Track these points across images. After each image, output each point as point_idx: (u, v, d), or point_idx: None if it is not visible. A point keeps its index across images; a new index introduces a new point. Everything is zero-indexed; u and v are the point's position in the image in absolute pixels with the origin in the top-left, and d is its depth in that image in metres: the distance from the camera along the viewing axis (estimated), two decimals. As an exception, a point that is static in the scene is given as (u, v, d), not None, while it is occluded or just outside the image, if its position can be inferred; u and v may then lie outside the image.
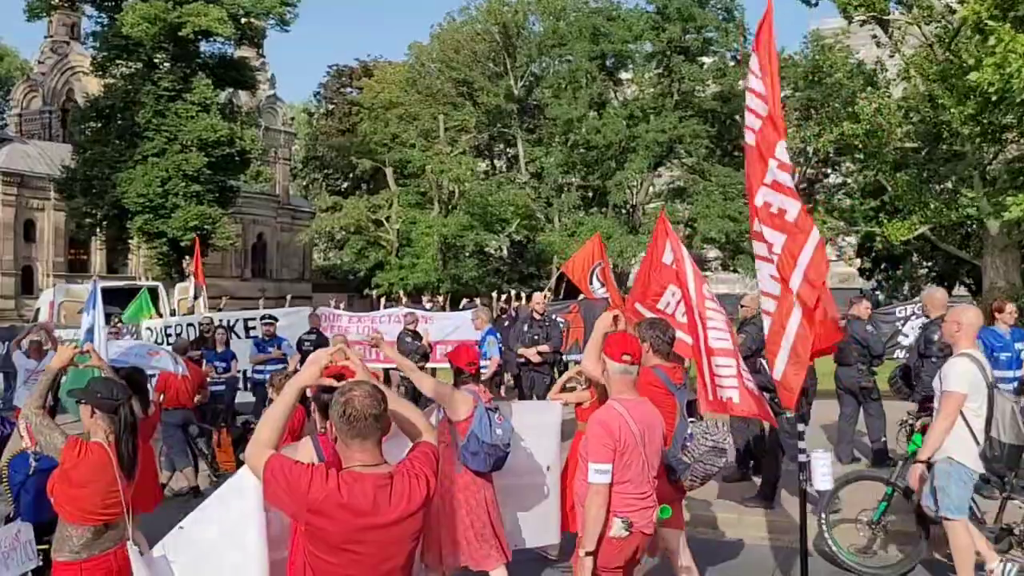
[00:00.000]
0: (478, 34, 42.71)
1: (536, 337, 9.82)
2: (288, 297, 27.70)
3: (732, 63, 37.06)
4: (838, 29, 47.27)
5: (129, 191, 35.20)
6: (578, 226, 37.44)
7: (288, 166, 57.69)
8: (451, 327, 13.26)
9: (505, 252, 43.78)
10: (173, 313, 19.14)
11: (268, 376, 9.62)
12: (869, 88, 26.73)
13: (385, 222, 35.31)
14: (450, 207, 37.05)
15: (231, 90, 41.46)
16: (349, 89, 61.06)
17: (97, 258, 45.67)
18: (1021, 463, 5.43)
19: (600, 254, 14.99)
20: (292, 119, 59.39)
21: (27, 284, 43.03)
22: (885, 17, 24.20)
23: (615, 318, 5.03)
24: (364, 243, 37.16)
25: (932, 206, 26.41)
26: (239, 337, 13.40)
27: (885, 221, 27.63)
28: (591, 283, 14.83)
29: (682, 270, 5.81)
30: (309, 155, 62.16)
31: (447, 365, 13.41)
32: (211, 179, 36.82)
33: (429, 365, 14.05)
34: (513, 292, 21.74)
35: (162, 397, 9.16)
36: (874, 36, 27.55)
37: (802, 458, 4.88)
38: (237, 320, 13.59)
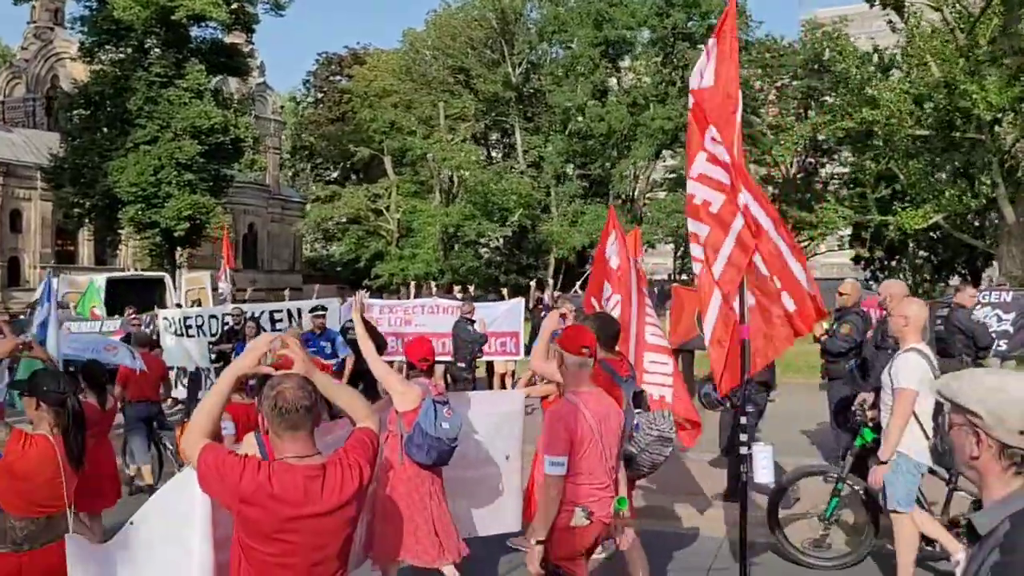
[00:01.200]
0: (475, 20, 41.96)
1: None
2: (287, 290, 27.07)
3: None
4: (835, 16, 47.34)
5: (121, 180, 34.26)
6: (579, 215, 36.90)
7: (278, 155, 56.69)
8: (492, 317, 12.65)
9: (501, 243, 43.15)
10: (179, 305, 18.37)
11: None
12: (884, 74, 26.33)
13: (385, 211, 34.50)
14: (451, 196, 36.31)
15: (220, 77, 40.45)
16: (338, 77, 60.19)
17: (85, 249, 44.57)
18: None
19: (639, 251, 14.49)
20: (282, 107, 58.35)
21: (13, 276, 41.89)
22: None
23: (562, 316, 5.21)
24: (363, 233, 36.36)
25: (947, 194, 26.12)
26: (264, 330, 12.74)
27: (899, 210, 27.35)
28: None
29: (625, 267, 6.23)
30: (297, 144, 61.17)
31: (502, 358, 12.60)
32: (204, 168, 35.90)
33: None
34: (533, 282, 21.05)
35: (121, 390, 8.91)
36: (889, 21, 27.10)
37: (744, 451, 4.95)
38: (263, 312, 12.93)
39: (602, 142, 38.09)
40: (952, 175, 27.31)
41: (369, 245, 35.76)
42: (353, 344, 10.55)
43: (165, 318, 13.71)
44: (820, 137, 28.69)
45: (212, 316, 13.29)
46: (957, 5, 24.85)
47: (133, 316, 13.41)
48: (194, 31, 37.80)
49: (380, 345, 11.57)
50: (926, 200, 27.02)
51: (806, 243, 44.46)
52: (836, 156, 42.44)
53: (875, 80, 26.30)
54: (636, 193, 39.23)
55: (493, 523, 5.78)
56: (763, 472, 5.11)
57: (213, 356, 12.06)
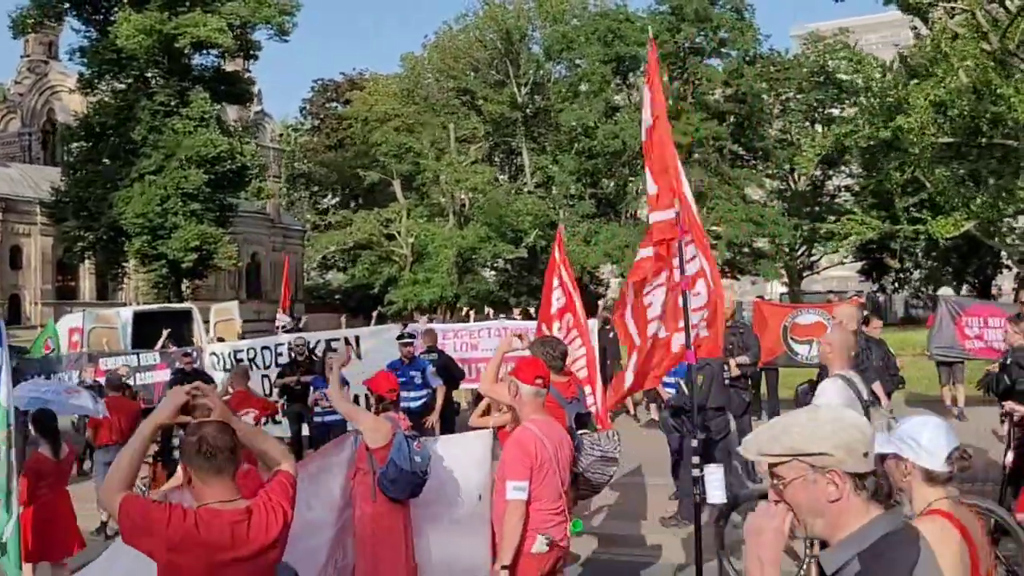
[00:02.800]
0: (479, 41, 41.54)
1: (730, 346, 8.11)
2: (298, 318, 26.31)
3: (746, 63, 36.18)
4: (835, 29, 47.21)
5: (126, 211, 33.43)
6: (593, 235, 36.31)
7: (278, 184, 56.01)
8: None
9: (511, 266, 42.47)
10: (220, 339, 17.53)
11: (412, 405, 8.32)
12: (911, 80, 25.88)
13: (398, 236, 33.79)
14: (463, 219, 35.66)
15: (219, 105, 39.78)
16: (334, 104, 59.70)
17: (86, 284, 43.65)
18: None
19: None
20: (280, 135, 57.73)
21: (14, 313, 40.86)
22: (944, 3, 23.19)
23: (519, 337, 5.46)
24: (375, 258, 35.59)
25: (979, 200, 25.66)
26: (318, 357, 12.02)
27: (929, 218, 26.86)
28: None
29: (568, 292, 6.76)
30: (294, 172, 60.49)
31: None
32: (210, 197, 35.17)
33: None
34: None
35: (91, 435, 9.05)
36: (914, 28, 26.79)
37: (696, 472, 5.04)
38: (319, 341, 12.17)
39: (609, 161, 37.62)
40: (983, 181, 26.84)
41: (382, 271, 35.01)
42: (444, 372, 9.83)
43: (213, 353, 12.94)
44: (846, 145, 28.03)
45: (265, 348, 12.52)
46: (987, 8, 24.50)
47: (183, 352, 12.58)
48: (195, 59, 37.27)
49: (457, 376, 10.91)
50: (955, 208, 26.60)
51: (818, 256, 44.21)
52: (845, 168, 42.16)
53: (900, 87, 25.79)
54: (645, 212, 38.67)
55: (465, 563, 5.66)
56: (715, 493, 5.09)
57: (277, 390, 11.28)
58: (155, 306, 22.08)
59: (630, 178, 37.32)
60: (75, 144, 36.45)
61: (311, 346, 11.94)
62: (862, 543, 1.96)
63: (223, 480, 2.91)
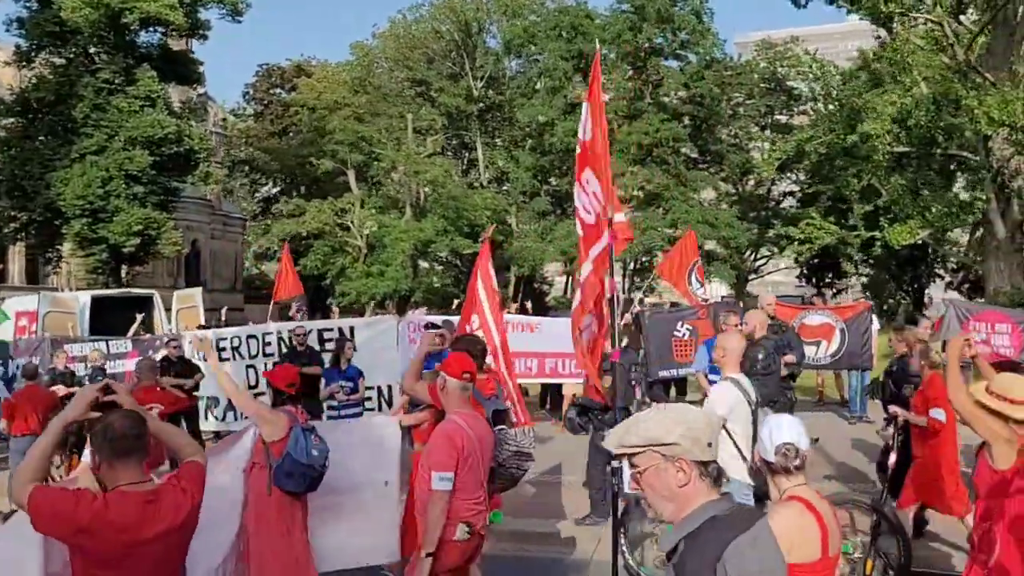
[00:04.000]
0: (436, 32, 40.95)
1: (774, 347, 7.97)
2: (224, 309, 25.60)
3: (704, 66, 36.43)
4: (787, 37, 48.00)
5: (65, 192, 31.89)
6: (548, 232, 36.17)
7: (220, 169, 54.33)
8: (557, 334, 11.57)
9: (460, 261, 42.00)
10: (205, 326, 16.72)
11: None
12: (876, 88, 26.30)
13: (352, 226, 32.91)
14: (420, 211, 35.01)
15: (166, 85, 38.31)
16: (279, 90, 58.28)
17: (15, 267, 41.53)
18: None
19: (695, 252, 13.77)
20: (223, 120, 56.04)
21: (-64, 297, 38.66)
22: (912, 14, 23.59)
23: (440, 337, 5.81)
24: (328, 249, 34.64)
25: (934, 210, 26.25)
26: (314, 349, 11.49)
27: (886, 225, 27.38)
28: (689, 283, 13.54)
29: (488, 294, 7.07)
30: (235, 159, 58.81)
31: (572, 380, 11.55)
32: (155, 180, 33.83)
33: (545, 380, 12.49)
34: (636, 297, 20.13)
35: (6, 424, 9.13)
36: (878, 36, 27.19)
37: (615, 464, 5.16)
38: (311, 331, 11.61)
39: (563, 158, 37.48)
40: (938, 190, 27.49)
41: (335, 262, 34.11)
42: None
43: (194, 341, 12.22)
44: (806, 150, 28.38)
45: (251, 336, 11.87)
46: (954, 22, 25.02)
47: (169, 339, 11.83)
48: (141, 36, 35.81)
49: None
50: (910, 216, 27.17)
51: (763, 260, 44.90)
52: (791, 174, 42.81)
53: (862, 94, 26.24)
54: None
55: (371, 553, 5.79)
56: (630, 483, 5.13)
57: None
58: (114, 291, 20.95)
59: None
60: (10, 119, 34.55)
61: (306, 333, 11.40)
62: (690, 527, 2.18)
63: (129, 464, 3.01)
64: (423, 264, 36.10)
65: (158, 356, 11.04)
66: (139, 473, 3.05)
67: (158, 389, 8.75)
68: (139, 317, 15.13)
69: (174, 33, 36.91)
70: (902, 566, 6.21)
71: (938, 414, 6.34)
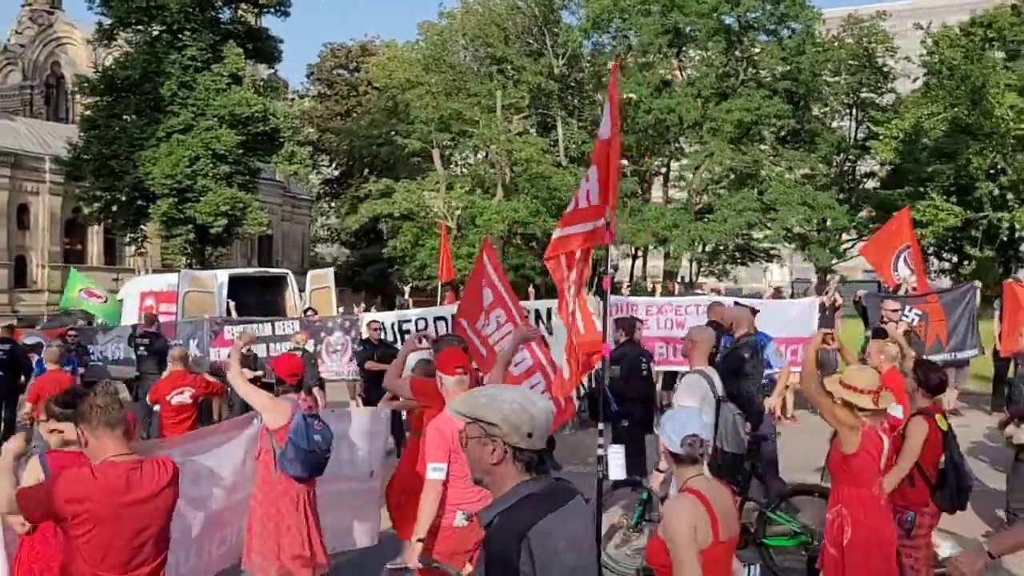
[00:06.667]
0: (517, 8, 39.88)
1: None
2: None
3: (802, 41, 34.99)
4: (873, 11, 46.37)
5: (153, 172, 31.52)
6: (638, 211, 35.14)
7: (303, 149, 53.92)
8: (782, 321, 10.60)
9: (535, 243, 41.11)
10: (314, 311, 16.02)
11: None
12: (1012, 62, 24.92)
13: (443, 207, 32.15)
14: (511, 191, 34.11)
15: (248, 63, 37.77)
16: (343, 70, 57.62)
17: (94, 248, 41.40)
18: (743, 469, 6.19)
19: (909, 234, 12.65)
20: (291, 100, 55.52)
21: (20, 276, 38.63)
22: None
23: (426, 338, 5.78)
24: (417, 230, 33.91)
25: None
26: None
27: (1016, 206, 26.02)
28: (895, 268, 12.46)
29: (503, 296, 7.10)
30: (301, 140, 58.31)
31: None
32: (240, 160, 33.35)
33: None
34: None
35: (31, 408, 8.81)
36: (1016, 9, 25.67)
37: (600, 451, 5.35)
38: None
39: (652, 137, 36.41)
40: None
41: (425, 243, 33.40)
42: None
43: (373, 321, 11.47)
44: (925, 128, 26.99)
45: (439, 318, 11.07)
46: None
47: (371, 320, 11.04)
48: (225, 13, 35.28)
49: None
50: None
51: (849, 243, 43.39)
52: (869, 153, 41.22)
53: (996, 71, 24.85)
54: (693, 189, 37.47)
55: (355, 536, 6.16)
56: (616, 469, 5.37)
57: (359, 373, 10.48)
58: (251, 270, 20.34)
59: (678, 155, 36.12)
60: (97, 98, 34.15)
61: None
62: (506, 503, 2.35)
63: (116, 434, 3.33)
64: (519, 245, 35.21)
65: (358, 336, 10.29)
66: (124, 445, 3.36)
67: (187, 374, 8.30)
68: (231, 304, 14.34)
69: (254, 10, 36.40)
70: None
71: (894, 410, 5.92)
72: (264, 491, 5.11)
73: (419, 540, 4.35)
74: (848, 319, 13.60)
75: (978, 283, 11.87)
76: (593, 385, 9.07)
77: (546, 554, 2.25)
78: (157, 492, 3.38)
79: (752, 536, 6.09)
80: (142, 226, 35.25)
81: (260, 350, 12.11)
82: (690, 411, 3.60)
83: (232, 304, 13.79)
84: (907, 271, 12.21)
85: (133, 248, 38.23)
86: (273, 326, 12.50)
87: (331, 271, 17.67)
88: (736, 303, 8.87)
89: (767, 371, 7.49)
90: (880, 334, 7.69)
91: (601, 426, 5.57)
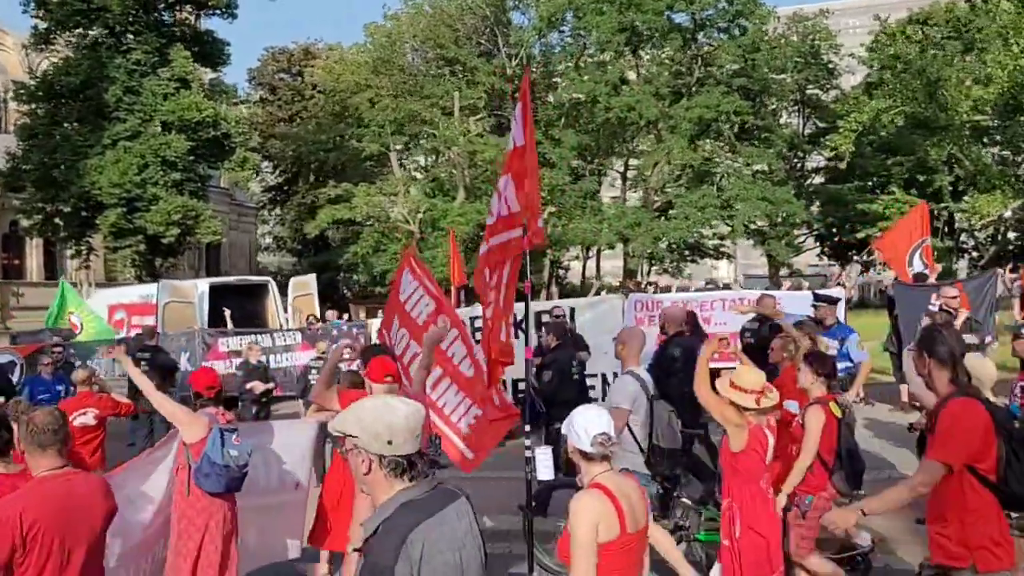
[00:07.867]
0: (468, 8, 39.46)
1: None
2: None
3: (756, 38, 35.34)
4: (816, 10, 47.28)
5: (100, 181, 30.21)
6: (598, 211, 35.04)
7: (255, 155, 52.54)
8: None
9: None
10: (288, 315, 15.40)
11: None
12: (968, 54, 25.42)
13: (404, 211, 31.46)
14: (472, 193, 33.65)
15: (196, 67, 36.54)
16: (283, 75, 56.48)
17: (33, 262, 39.54)
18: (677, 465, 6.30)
19: (926, 229, 12.66)
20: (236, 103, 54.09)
21: (-48, 295, 36.66)
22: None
23: (351, 348, 6.24)
24: (378, 235, 33.11)
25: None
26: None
27: (976, 195, 26.54)
28: (910, 263, 12.42)
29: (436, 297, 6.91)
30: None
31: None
32: (191, 166, 32.22)
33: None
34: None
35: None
36: (973, 7, 26.22)
37: (528, 453, 5.35)
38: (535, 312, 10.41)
39: (609, 136, 36.37)
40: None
41: (387, 248, 32.66)
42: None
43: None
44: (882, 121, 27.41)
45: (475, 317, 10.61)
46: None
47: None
48: (167, 16, 34.08)
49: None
50: (995, 187, 26.40)
51: (802, 237, 44.02)
52: (819, 147, 41.85)
53: (954, 63, 25.34)
54: (648, 189, 37.54)
55: (279, 549, 6.09)
56: (544, 470, 5.34)
57: None
58: (231, 279, 19.43)
59: (635, 153, 36.14)
60: (31, 106, 32.64)
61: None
62: (386, 513, 2.39)
63: (48, 453, 3.56)
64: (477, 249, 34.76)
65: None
66: (58, 460, 3.57)
67: (91, 395, 7.91)
68: (227, 312, 13.73)
69: (196, 12, 35.25)
70: None
71: (790, 405, 6.21)
72: (181, 507, 5.05)
73: (355, 550, 4.30)
74: (858, 310, 13.56)
75: (999, 269, 11.93)
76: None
77: (425, 558, 2.30)
78: (87, 504, 3.57)
79: (687, 533, 6.31)
80: (88, 238, 33.78)
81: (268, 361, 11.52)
82: (598, 409, 3.58)
83: (228, 313, 13.10)
84: (921, 266, 12.21)
85: (77, 262, 36.53)
86: (272, 336, 11.88)
87: (313, 277, 17.12)
88: (815, 295, 8.57)
89: (846, 364, 7.19)
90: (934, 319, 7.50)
91: (528, 428, 5.64)
